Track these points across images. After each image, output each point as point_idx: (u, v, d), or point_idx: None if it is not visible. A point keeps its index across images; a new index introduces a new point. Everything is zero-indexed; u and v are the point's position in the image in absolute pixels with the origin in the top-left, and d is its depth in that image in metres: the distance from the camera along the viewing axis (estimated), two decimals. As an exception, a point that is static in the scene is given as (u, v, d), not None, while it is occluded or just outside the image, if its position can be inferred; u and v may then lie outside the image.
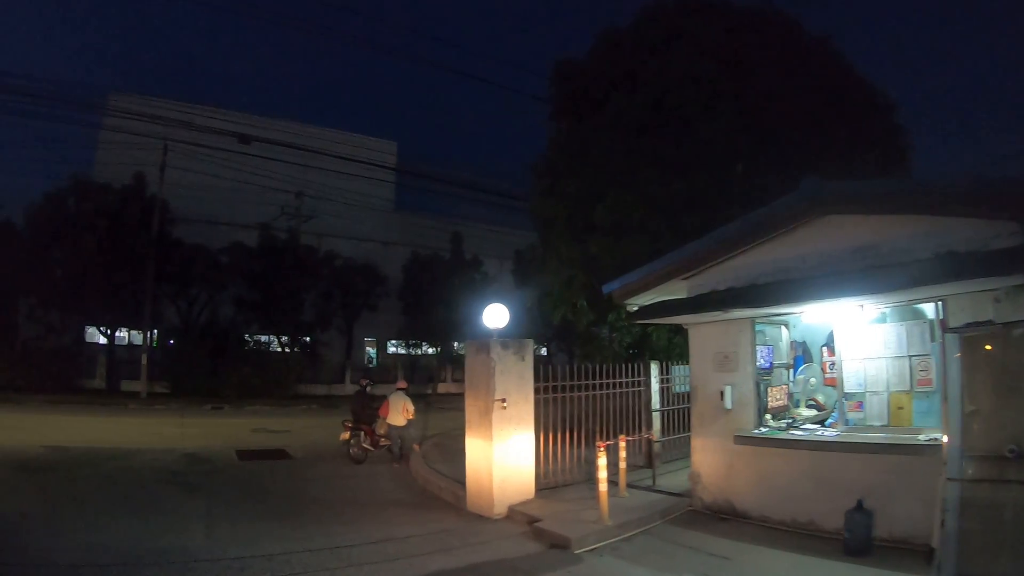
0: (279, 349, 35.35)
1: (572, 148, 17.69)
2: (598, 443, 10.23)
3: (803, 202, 9.30)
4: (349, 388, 35.03)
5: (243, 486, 12.64)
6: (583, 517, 9.83)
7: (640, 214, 15.67)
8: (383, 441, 15.48)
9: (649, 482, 12.27)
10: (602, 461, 9.88)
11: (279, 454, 16.30)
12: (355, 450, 15.13)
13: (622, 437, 11.60)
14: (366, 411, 15.62)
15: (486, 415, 10.74)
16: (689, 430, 12.60)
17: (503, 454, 10.70)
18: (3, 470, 12.91)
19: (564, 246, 16.89)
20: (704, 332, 11.23)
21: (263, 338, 35.31)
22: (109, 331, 32.65)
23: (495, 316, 11.29)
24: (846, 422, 10.17)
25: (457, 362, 40.17)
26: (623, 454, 11.41)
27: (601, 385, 12.77)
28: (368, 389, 16.47)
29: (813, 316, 10.86)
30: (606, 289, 12.43)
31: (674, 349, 17.34)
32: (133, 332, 35.77)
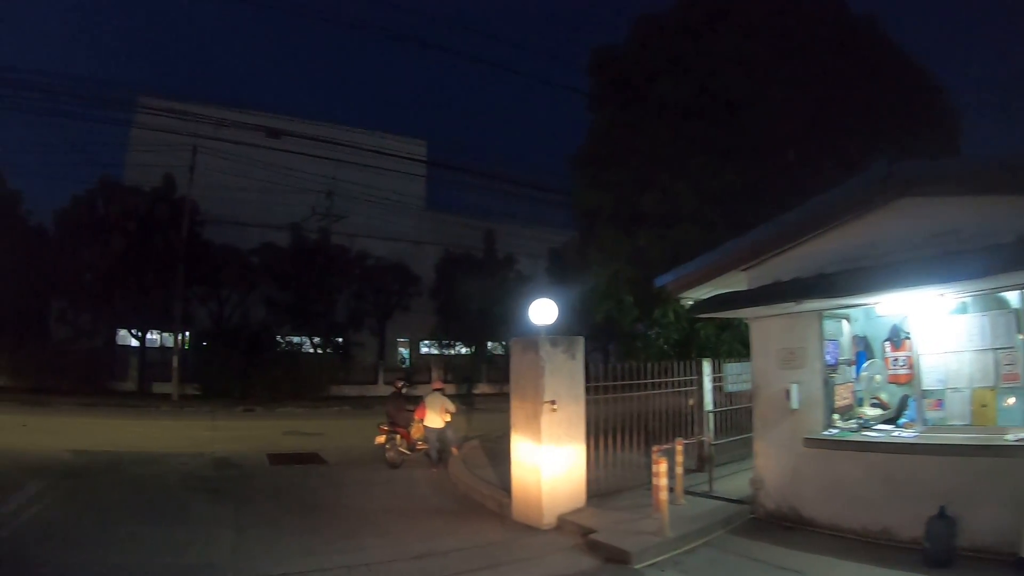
0: (311, 350, 34.86)
1: (615, 136, 16.93)
2: (655, 447, 9.49)
3: (877, 183, 8.55)
4: (382, 389, 34.32)
5: (274, 493, 11.99)
6: (641, 528, 9.07)
7: (693, 203, 14.84)
8: (420, 445, 14.76)
9: (705, 487, 11.42)
10: (663, 467, 9.10)
11: (312, 458, 15.66)
12: (391, 454, 14.43)
13: (679, 440, 10.80)
14: (402, 413, 14.91)
15: (534, 418, 9.98)
16: (742, 432, 12.17)
17: (553, 460, 9.93)
18: (25, 476, 12.34)
19: (609, 239, 16.12)
20: (767, 327, 10.38)
21: (295, 339, 34.78)
22: (140, 333, 32.33)
23: (543, 312, 10.51)
24: (924, 422, 9.29)
25: (492, 362, 39.47)
26: (680, 458, 10.60)
27: (652, 385, 12.01)
28: (404, 390, 15.78)
29: (885, 308, 9.95)
30: (659, 281, 11.70)
31: (721, 346, 16.55)
32: (165, 334, 35.41)
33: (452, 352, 41.60)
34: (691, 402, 13.10)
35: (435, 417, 14.40)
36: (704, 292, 11.33)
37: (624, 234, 15.96)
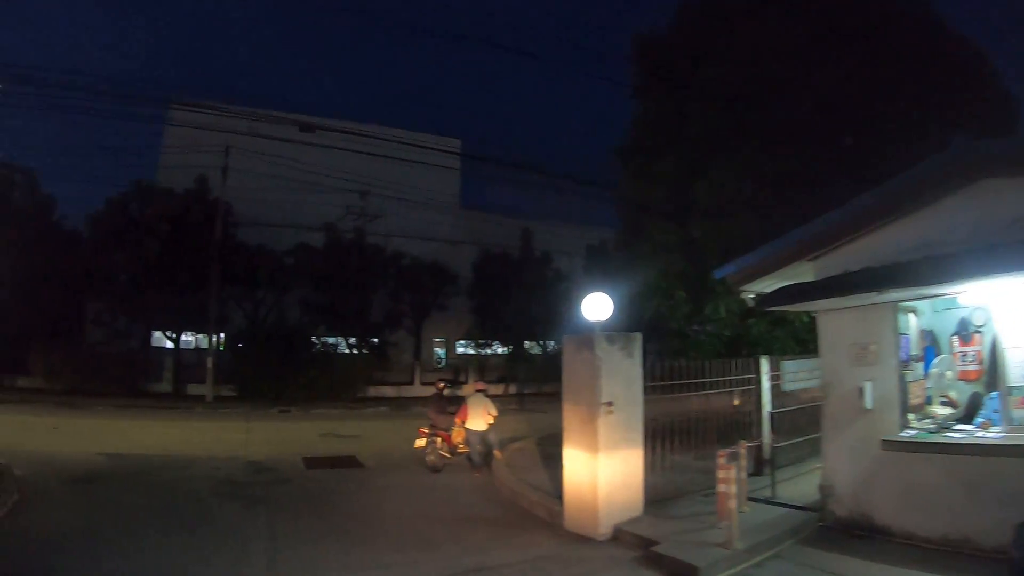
0: (347, 351, 34.39)
1: (663, 125, 16.07)
2: (720, 451, 8.74)
3: (956, 164, 7.92)
4: (419, 390, 33.87)
5: (310, 500, 11.33)
6: (705, 539, 8.35)
7: (748, 190, 13.98)
8: (461, 448, 14.06)
9: (766, 493, 10.62)
10: (731, 473, 8.32)
11: (349, 462, 15.00)
12: (432, 458, 13.71)
13: (742, 443, 9.97)
14: (443, 416, 14.21)
15: (590, 422, 9.22)
16: (801, 433, 11.72)
17: (610, 466, 9.18)
18: (52, 481, 11.89)
19: (659, 231, 15.28)
20: (837, 320, 9.57)
21: (330, 340, 34.30)
22: (175, 335, 32.04)
23: (597, 307, 9.75)
24: (1010, 420, 8.48)
25: (530, 362, 38.71)
26: (744, 462, 9.79)
27: (711, 384, 11.28)
28: (445, 392, 15.05)
29: (967, 297, 9.10)
30: (719, 274, 10.97)
31: (774, 343, 15.69)
32: (200, 336, 35.11)
33: (488, 352, 41.00)
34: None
35: (477, 419, 13.69)
36: (766, 284, 10.58)
37: (675, 225, 15.11)
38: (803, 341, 16.54)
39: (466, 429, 13.76)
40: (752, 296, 11.22)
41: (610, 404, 9.12)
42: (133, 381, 29.11)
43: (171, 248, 29.61)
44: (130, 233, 29.89)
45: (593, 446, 9.17)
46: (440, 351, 48.13)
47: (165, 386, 30.14)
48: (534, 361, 39.21)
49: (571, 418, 9.61)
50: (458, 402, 14.69)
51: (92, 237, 30.99)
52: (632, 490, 9.55)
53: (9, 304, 28.85)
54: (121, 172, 52.40)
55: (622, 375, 9.45)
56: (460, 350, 46.96)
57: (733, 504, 8.21)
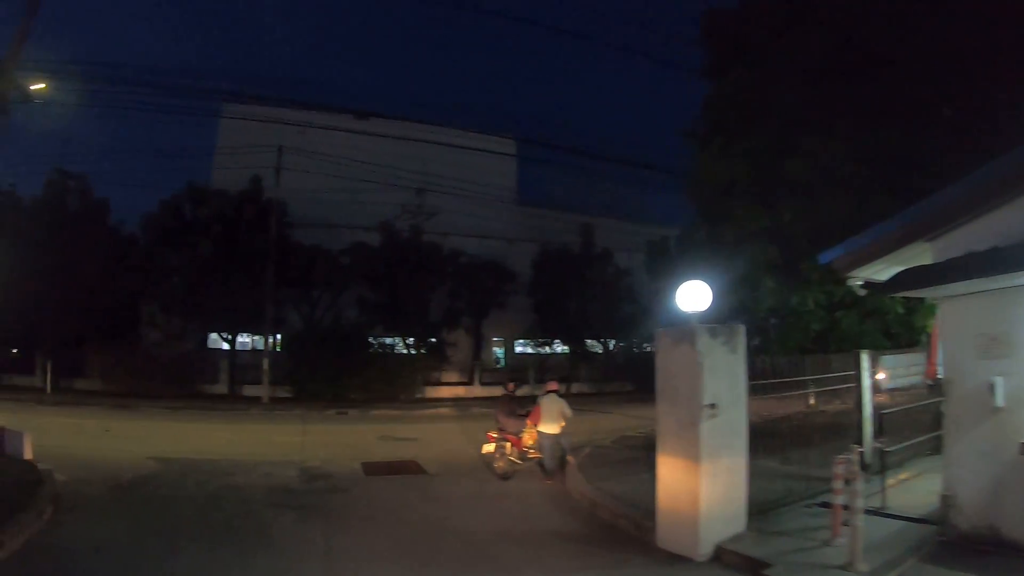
0: (405, 351, 33.59)
1: (745, 100, 14.74)
2: (838, 457, 7.73)
3: None
4: (478, 390, 33.24)
5: (370, 511, 10.29)
6: (821, 559, 7.31)
7: (845, 168, 12.62)
8: (532, 453, 12.91)
9: (874, 502, 9.28)
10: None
11: (410, 467, 13.96)
12: (501, 464, 12.61)
13: (856, 448, 8.74)
14: (513, 418, 13.09)
15: (689, 426, 8.02)
16: (905, 435, 10.93)
17: (712, 476, 7.98)
18: (96, 487, 11.12)
19: (747, 214, 13.92)
20: (960, 308, 8.25)
21: (388, 340, 33.53)
22: (230, 336, 31.56)
23: (694, 296, 8.55)
24: None
25: (591, 360, 37.70)
26: (856, 468, 8.53)
27: (815, 382, 10.13)
28: (515, 393, 13.92)
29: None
30: (824, 258, 9.75)
31: (863, 337, 14.31)
32: (256, 337, 34.65)
33: (548, 352, 39.92)
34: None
35: (551, 422, 12.55)
36: (875, 269, 9.46)
37: (763, 208, 13.77)
38: (893, 335, 15.22)
39: (539, 432, 12.61)
40: (859, 283, 10.00)
41: (713, 406, 7.93)
42: (188, 383, 28.74)
43: (225, 249, 29.15)
44: (184, 235, 29.53)
45: (693, 454, 7.98)
46: (499, 351, 47.12)
47: (221, 387, 29.68)
48: (596, 360, 38.01)
49: (667, 422, 8.41)
50: (525, 403, 13.56)
51: (146, 239, 30.68)
52: (734, 503, 8.38)
53: (65, 308, 28.62)
54: (174, 175, 52.74)
55: (725, 372, 8.25)
56: (519, 349, 46.01)
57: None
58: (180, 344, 30.66)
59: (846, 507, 7.47)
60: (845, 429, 11.19)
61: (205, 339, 33.76)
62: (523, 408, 13.36)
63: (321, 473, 12.88)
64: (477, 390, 33.29)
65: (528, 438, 12.90)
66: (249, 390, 29.37)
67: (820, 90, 13.73)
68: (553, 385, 13.17)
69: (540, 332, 38.55)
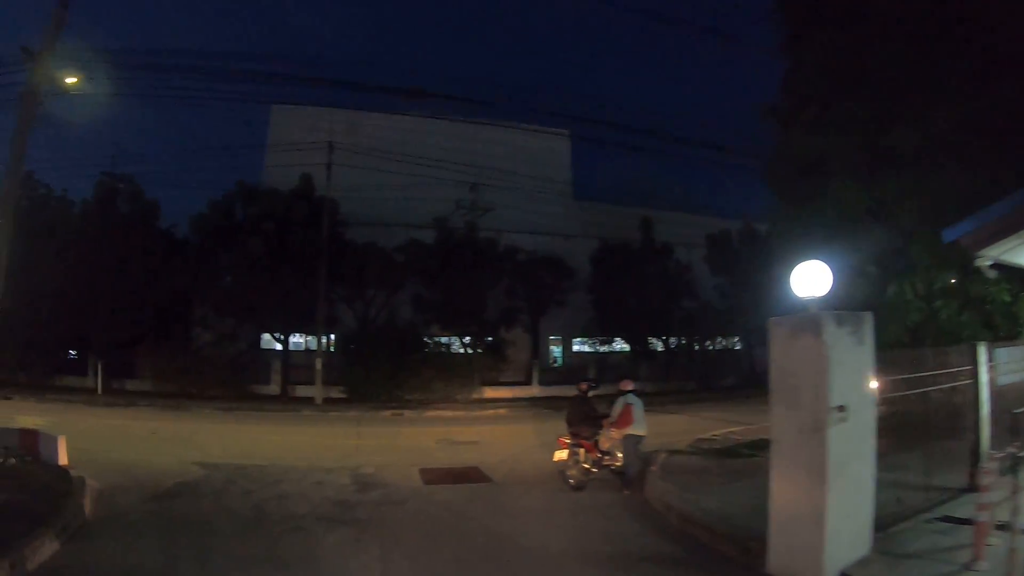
0: (461, 350, 32.56)
1: (837, 64, 13.23)
2: (984, 468, 6.68)
3: None
4: (536, 390, 32.14)
5: (430, 527, 9.13)
6: None
7: (960, 135, 11.10)
8: (607, 460, 11.63)
9: (1000, 515, 7.85)
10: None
11: (473, 475, 12.75)
12: (574, 472, 11.32)
13: (992, 455, 7.43)
14: (588, 422, 11.79)
15: (813, 431, 6.67)
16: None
17: (840, 491, 6.63)
18: (132, 497, 10.20)
19: (843, 193, 12.41)
20: None
21: (443, 340, 32.53)
22: (283, 336, 30.84)
23: (812, 279, 7.22)
24: None
25: (653, 359, 36.37)
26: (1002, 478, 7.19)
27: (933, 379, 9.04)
28: (590, 394, 12.60)
29: None
30: (950, 235, 8.44)
31: (963, 328, 12.70)
32: (309, 337, 33.91)
33: (606, 349, 38.59)
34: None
35: (641, 424, 11.28)
36: (1008, 246, 8.71)
37: (863, 185, 12.26)
38: (993, 326, 13.62)
39: (626, 436, 11.32)
40: (989, 263, 8.69)
41: (842, 408, 6.58)
42: (240, 383, 28.18)
43: (277, 248, 28.39)
44: (235, 234, 28.89)
45: (818, 465, 6.64)
46: (555, 349, 45.82)
47: (273, 388, 29.02)
48: (657, 359, 36.51)
49: (784, 427, 7.07)
50: (595, 405, 12.27)
51: (197, 240, 30.19)
52: (860, 521, 7.07)
53: (117, 309, 28.51)
54: (224, 174, 52.52)
55: (853, 367, 6.91)
56: (576, 348, 44.74)
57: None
58: (232, 345, 30.06)
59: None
60: (947, 430, 9.73)
61: (258, 340, 33.10)
62: (594, 410, 12.07)
63: (376, 481, 11.76)
64: (535, 390, 32.21)
65: (605, 443, 11.63)
66: (302, 391, 28.63)
67: (924, 49, 12.21)
68: (627, 384, 11.86)
69: (599, 330, 37.18)
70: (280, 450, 15.20)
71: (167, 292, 29.84)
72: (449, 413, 24.67)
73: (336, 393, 27.73)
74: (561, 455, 11.32)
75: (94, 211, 30.47)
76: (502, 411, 25.88)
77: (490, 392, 29.76)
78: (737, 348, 39.56)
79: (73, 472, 10.70)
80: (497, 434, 18.83)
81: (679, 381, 35.33)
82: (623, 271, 34.81)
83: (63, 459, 11.59)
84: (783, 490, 7.09)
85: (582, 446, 11.33)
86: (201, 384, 27.22)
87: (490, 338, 32.79)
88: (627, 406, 11.33)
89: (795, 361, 6.97)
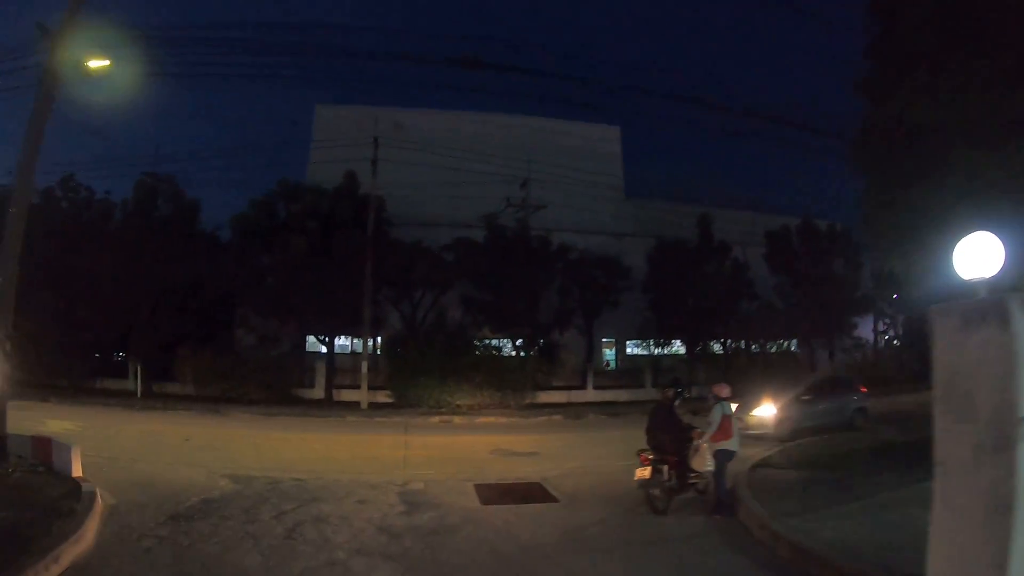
0: (512, 353, 31.07)
1: (952, 20, 11.44)
2: None
3: None
4: (591, 395, 30.51)
5: (492, 564, 7.57)
6: None
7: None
8: (693, 478, 10.01)
9: None
10: None
11: (535, 493, 11.21)
12: (656, 493, 9.71)
13: None
14: (674, 434, 10.16)
15: (996, 451, 4.93)
16: None
17: (1030, 529, 4.92)
18: (148, 516, 8.94)
19: (966, 164, 10.60)
20: None
21: (493, 342, 31.09)
22: (327, 338, 29.66)
23: (981, 255, 5.54)
24: None
25: (712, 362, 34.30)
26: None
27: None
28: (676, 402, 10.87)
29: None
30: None
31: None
32: (357, 340, 32.68)
33: (662, 352, 36.80)
34: None
35: (735, 437, 9.66)
36: None
37: (989, 152, 10.46)
38: None
39: (718, 452, 9.67)
40: None
41: (1033, 419, 4.88)
42: (283, 387, 26.97)
43: (320, 247, 27.25)
44: (277, 233, 27.73)
45: (1001, 493, 4.94)
46: (608, 352, 44.17)
47: (317, 392, 27.85)
48: (716, 362, 34.55)
49: (953, 444, 5.36)
50: (670, 414, 10.60)
51: (238, 240, 29.21)
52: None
53: (158, 311, 27.98)
54: (268, 176, 51.95)
55: (1052, 367, 5.19)
56: (630, 351, 43.03)
57: None
58: (275, 347, 29.05)
59: None
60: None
61: (301, 342, 32.00)
62: (680, 421, 10.43)
63: (426, 500, 10.28)
64: (590, 394, 30.60)
65: (695, 459, 10.00)
66: (347, 395, 27.48)
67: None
68: (723, 389, 10.20)
69: (657, 332, 35.30)
70: (321, 460, 13.85)
71: (209, 293, 29.06)
72: (502, 419, 23.21)
73: (382, 398, 26.46)
74: (643, 473, 9.67)
75: (133, 212, 29.84)
76: (556, 417, 24.32)
77: (544, 397, 28.20)
78: (793, 351, 37.55)
79: (86, 486, 9.48)
80: (555, 443, 17.26)
81: (740, 385, 33.41)
82: (681, 270, 33.08)
83: (77, 470, 10.41)
84: (950, 525, 5.40)
85: (666, 463, 9.71)
86: (243, 388, 26.14)
87: (543, 340, 31.29)
88: (725, 417, 9.69)
89: (970, 360, 5.26)
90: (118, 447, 14.58)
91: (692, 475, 9.98)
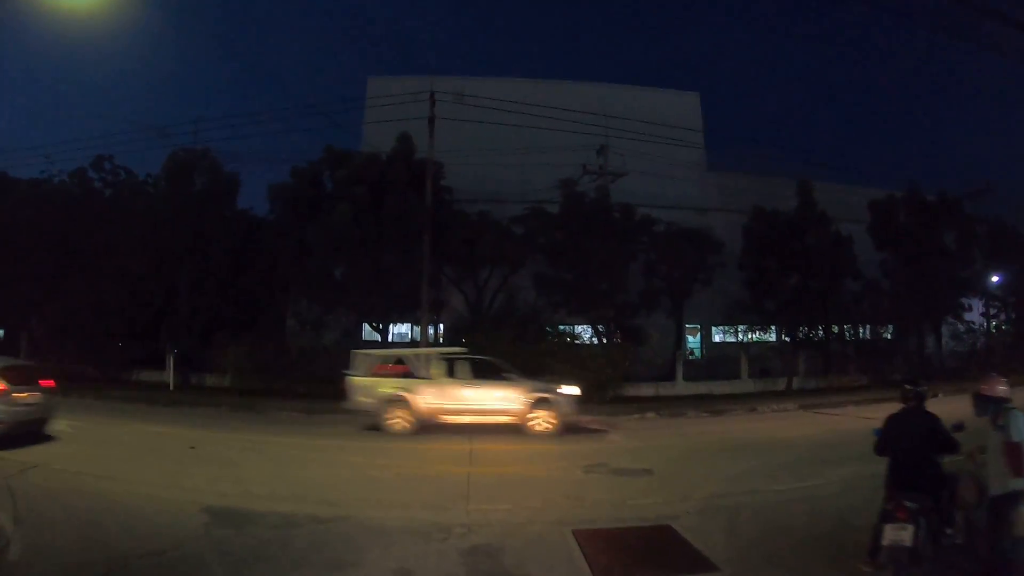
0: (594, 339, 27.16)
1: None
2: None
3: None
4: (681, 387, 26.52)
5: None
6: None
7: None
8: (952, 529, 5.83)
9: None
10: None
11: (673, 548, 7.07)
12: (899, 548, 5.50)
13: None
14: (932, 460, 5.94)
15: None
16: None
17: None
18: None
19: None
20: None
21: (567, 327, 27.21)
22: (381, 325, 26.08)
23: None
24: None
25: (818, 348, 30.21)
26: None
27: None
28: (924, 403, 6.49)
29: None
30: None
31: None
32: (416, 327, 29.06)
33: (757, 338, 33.31)
34: None
35: None
36: None
37: None
38: None
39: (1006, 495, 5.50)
40: None
41: None
42: (331, 381, 23.35)
43: (371, 218, 23.81)
44: (323, 205, 24.34)
45: None
46: (692, 339, 39.69)
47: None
48: (818, 349, 30.29)
49: None
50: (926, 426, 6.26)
51: (278, 214, 25.92)
52: None
53: (195, 296, 25.81)
54: (316, 144, 48.54)
55: None
56: (717, 338, 38.75)
57: None
58: (323, 335, 25.88)
59: None
60: None
61: (355, 328, 28.64)
62: (947, 438, 6.09)
63: (505, 568, 6.39)
64: (680, 387, 26.71)
65: (968, 493, 5.83)
66: None
67: None
68: (1003, 385, 5.91)
69: (751, 315, 30.77)
70: (356, 483, 10.09)
71: (251, 275, 25.94)
72: (587, 418, 19.23)
73: None
74: (902, 536, 5.47)
75: (166, 188, 27.08)
76: (650, 415, 20.27)
77: (629, 390, 24.15)
78: (889, 337, 33.59)
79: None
80: (665, 453, 13.22)
81: (846, 375, 29.54)
82: (781, 243, 28.62)
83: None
84: None
85: (925, 505, 5.53)
86: (286, 380, 22.99)
87: (627, 325, 27.25)
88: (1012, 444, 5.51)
89: None
90: (100, 456, 11.49)
91: (956, 516, 5.88)
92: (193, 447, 12.69)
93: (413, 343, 27.53)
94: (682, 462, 12.14)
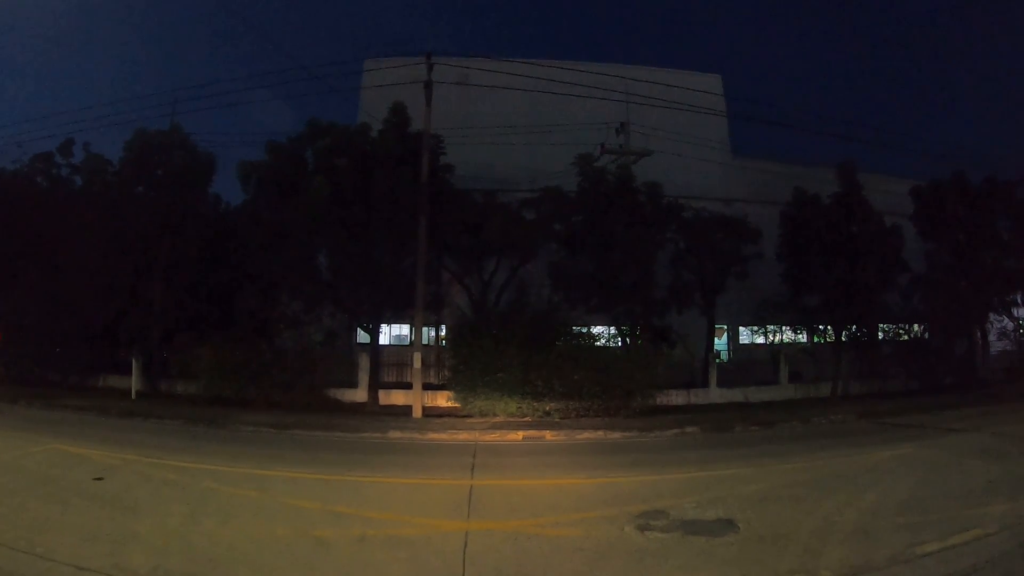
0: (618, 341, 24.32)
1: None
2: None
3: None
4: (715, 395, 23.60)
5: None
6: None
7: None
8: None
9: None
10: None
11: None
12: None
13: None
14: None
15: None
16: None
17: None
18: None
19: None
20: None
21: (586, 329, 24.04)
22: (371, 324, 22.79)
23: None
24: None
25: (863, 350, 27.16)
26: None
27: None
28: None
29: None
30: None
31: None
32: (426, 328, 26.10)
33: (797, 338, 30.60)
34: None
35: None
36: None
37: None
38: None
39: None
40: None
41: None
42: (313, 388, 20.59)
43: (355, 195, 20.62)
44: (302, 184, 21.01)
45: None
46: (718, 341, 36.38)
47: (359, 394, 21.59)
48: (865, 350, 27.36)
49: None
50: None
51: (251, 195, 22.68)
52: None
53: (163, 291, 23.32)
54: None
55: None
56: (744, 339, 35.70)
57: None
58: (309, 335, 23.28)
59: None
60: None
61: (345, 329, 26.00)
62: None
63: None
64: (714, 394, 23.77)
65: None
66: (396, 396, 21.28)
67: None
68: None
69: (791, 313, 27.48)
70: (289, 556, 6.50)
71: (224, 268, 22.92)
72: (614, 434, 15.92)
73: (445, 401, 19.99)
74: None
75: (128, 171, 24.16)
76: (690, 429, 16.84)
77: (661, 399, 20.78)
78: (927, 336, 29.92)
79: None
80: (741, 490, 9.46)
81: (895, 379, 26.80)
82: (823, 232, 25.48)
83: None
84: None
85: None
86: (262, 386, 19.94)
87: (657, 324, 24.05)
88: None
89: None
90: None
91: None
92: (100, 478, 9.36)
93: (412, 345, 24.30)
94: (775, 507, 8.39)
